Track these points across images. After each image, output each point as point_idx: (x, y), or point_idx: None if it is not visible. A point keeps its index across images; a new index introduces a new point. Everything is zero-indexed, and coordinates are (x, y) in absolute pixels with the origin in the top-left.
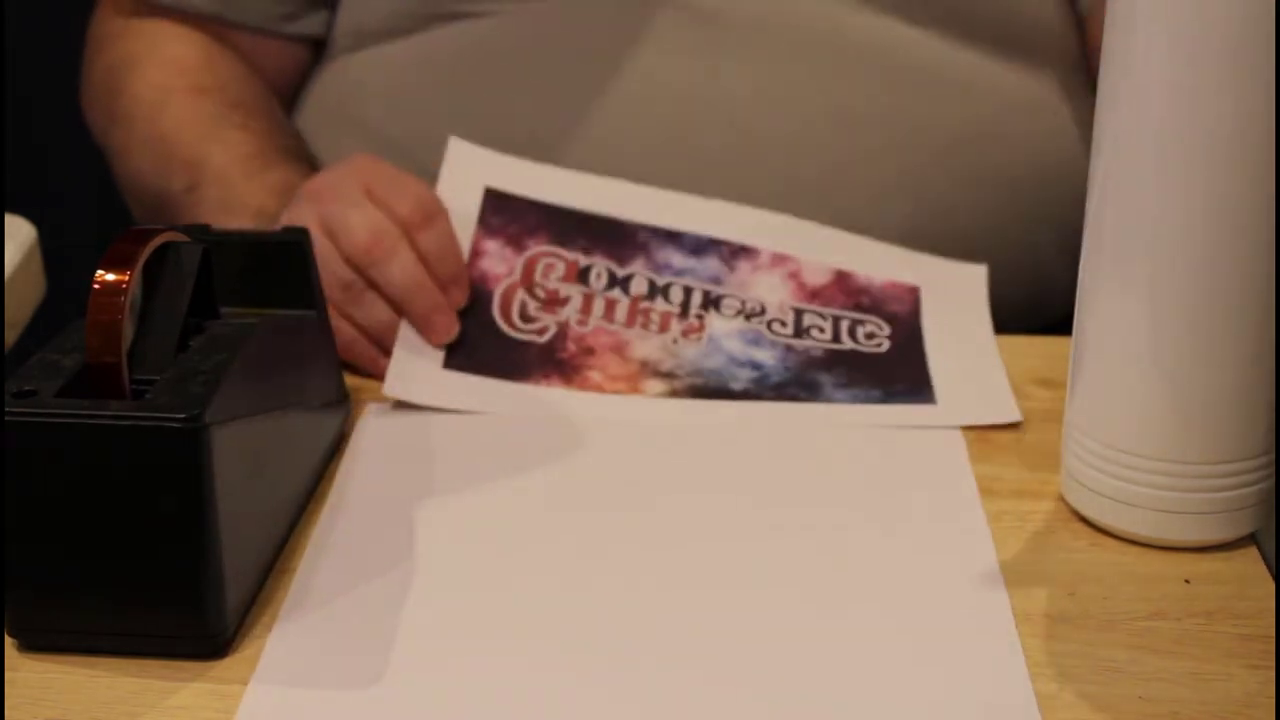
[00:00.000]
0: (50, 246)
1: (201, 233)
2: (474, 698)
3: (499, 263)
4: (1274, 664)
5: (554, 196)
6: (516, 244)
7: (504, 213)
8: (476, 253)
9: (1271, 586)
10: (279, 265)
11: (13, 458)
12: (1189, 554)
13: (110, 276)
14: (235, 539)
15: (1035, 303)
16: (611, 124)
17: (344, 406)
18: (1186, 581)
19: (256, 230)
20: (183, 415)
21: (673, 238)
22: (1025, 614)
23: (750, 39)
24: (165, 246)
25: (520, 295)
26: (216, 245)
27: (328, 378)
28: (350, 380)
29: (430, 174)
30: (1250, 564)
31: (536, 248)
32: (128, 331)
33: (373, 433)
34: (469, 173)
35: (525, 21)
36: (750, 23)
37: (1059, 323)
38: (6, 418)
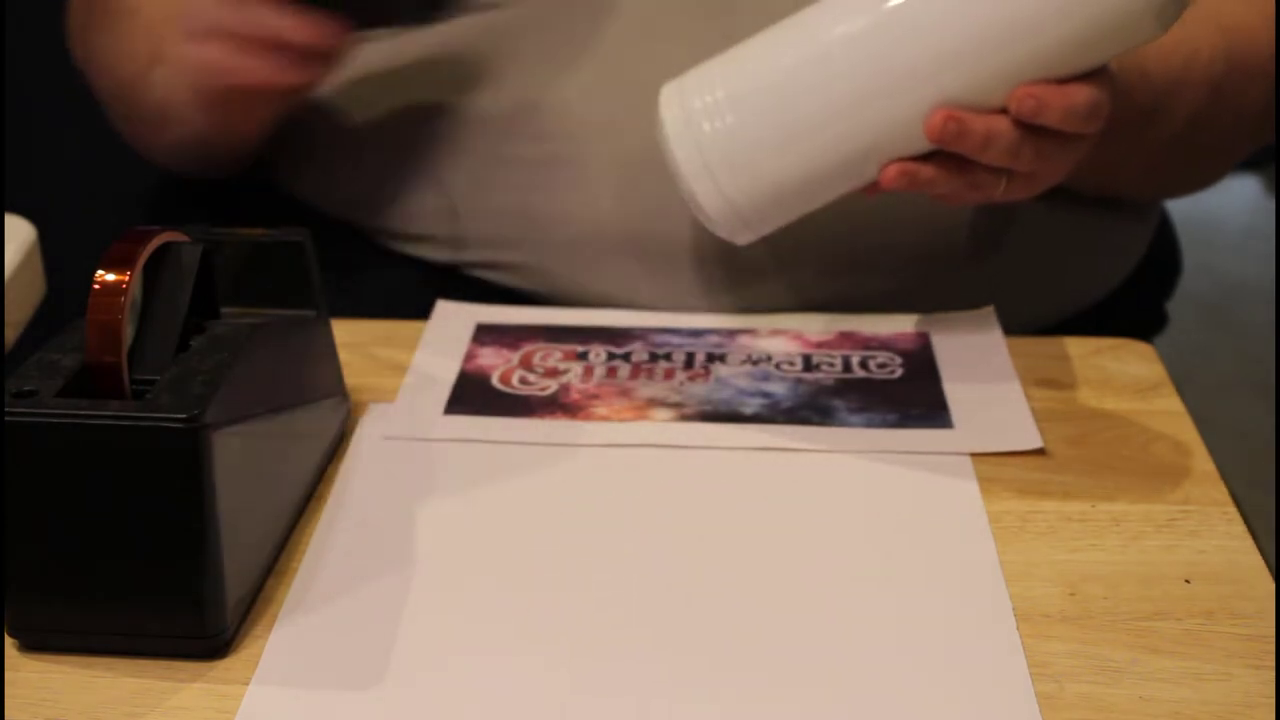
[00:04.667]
0: (50, 246)
1: (202, 233)
2: (474, 698)
3: (494, 358)
4: (1274, 664)
5: (545, 320)
6: (512, 346)
7: (496, 331)
8: (471, 356)
9: (1271, 586)
10: (279, 265)
11: (13, 458)
12: (1189, 554)
13: (110, 276)
14: (235, 539)
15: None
16: (623, 109)
17: (344, 406)
18: (1186, 581)
19: (257, 231)
20: (183, 415)
21: (668, 330)
22: (1025, 614)
23: (761, 27)
24: (165, 246)
25: (519, 372)
26: (217, 245)
27: (328, 378)
28: (350, 380)
29: (438, 140)
30: (1250, 564)
31: (531, 345)
32: (128, 331)
33: (373, 433)
34: (457, 319)
35: (538, 9)
36: (762, 10)
37: (1060, 323)
38: (6, 418)
